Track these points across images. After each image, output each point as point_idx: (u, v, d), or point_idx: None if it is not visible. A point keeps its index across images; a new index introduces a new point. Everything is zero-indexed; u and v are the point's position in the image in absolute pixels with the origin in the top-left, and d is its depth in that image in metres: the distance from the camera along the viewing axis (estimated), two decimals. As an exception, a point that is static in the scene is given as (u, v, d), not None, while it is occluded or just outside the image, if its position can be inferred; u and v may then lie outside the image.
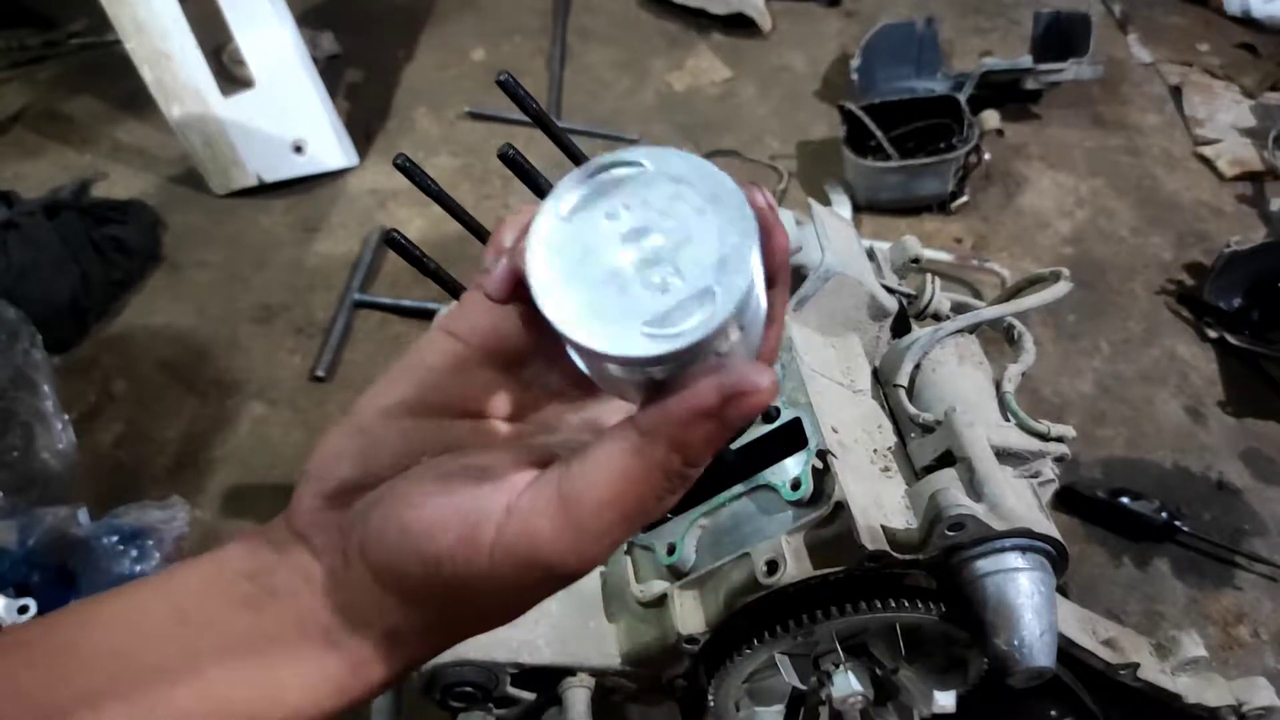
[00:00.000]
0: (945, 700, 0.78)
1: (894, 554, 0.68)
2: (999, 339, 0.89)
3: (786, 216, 0.85)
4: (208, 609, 0.33)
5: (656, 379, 0.29)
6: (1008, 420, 0.79)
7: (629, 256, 0.29)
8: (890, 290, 0.85)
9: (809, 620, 0.71)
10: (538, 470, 0.32)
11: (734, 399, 0.28)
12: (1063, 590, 0.81)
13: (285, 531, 0.35)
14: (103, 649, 0.32)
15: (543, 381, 0.37)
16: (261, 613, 0.33)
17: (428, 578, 0.31)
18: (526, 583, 0.31)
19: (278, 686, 0.33)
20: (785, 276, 0.33)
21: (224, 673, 0.32)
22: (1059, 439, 0.77)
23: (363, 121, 2.17)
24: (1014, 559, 0.69)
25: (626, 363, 0.28)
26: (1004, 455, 0.75)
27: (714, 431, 0.29)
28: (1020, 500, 0.71)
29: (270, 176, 1.99)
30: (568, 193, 0.31)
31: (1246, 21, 2.35)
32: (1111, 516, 1.36)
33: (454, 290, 0.47)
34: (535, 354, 0.35)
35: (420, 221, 1.92)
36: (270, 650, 0.32)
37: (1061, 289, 0.84)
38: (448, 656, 0.77)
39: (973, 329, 0.85)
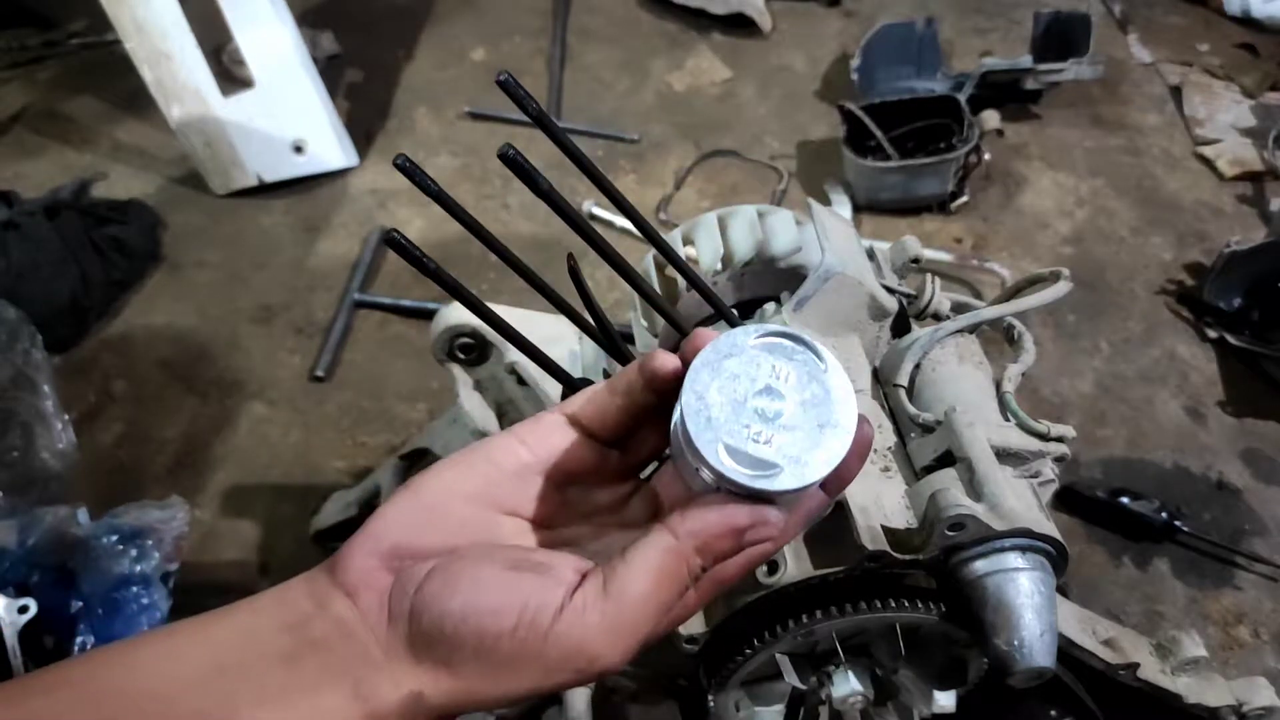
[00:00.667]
0: (945, 700, 0.78)
1: (894, 554, 0.68)
2: (999, 339, 0.89)
3: (786, 217, 0.85)
4: (245, 661, 0.35)
5: (710, 483, 0.38)
6: (1008, 420, 0.78)
7: (757, 402, 0.38)
8: (890, 290, 0.85)
9: (809, 620, 0.71)
10: (586, 569, 0.38)
11: (757, 526, 0.37)
12: (1063, 590, 0.81)
13: (329, 584, 0.38)
14: (145, 693, 0.34)
15: (580, 503, 0.43)
16: (296, 665, 0.35)
17: (479, 652, 0.35)
18: (567, 668, 0.35)
19: None
20: (837, 489, 0.40)
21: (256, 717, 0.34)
22: (1059, 439, 0.77)
23: (363, 121, 2.17)
24: (1014, 559, 0.69)
25: (703, 464, 0.37)
26: (1004, 455, 0.74)
27: (733, 546, 0.37)
28: (1020, 500, 0.71)
29: (270, 176, 1.99)
30: (760, 333, 0.39)
31: (1246, 21, 2.35)
32: (1111, 516, 1.36)
33: (454, 290, 0.47)
34: (585, 476, 0.42)
35: (420, 221, 1.92)
36: (301, 702, 0.35)
37: (1062, 289, 0.84)
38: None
39: (973, 329, 0.85)
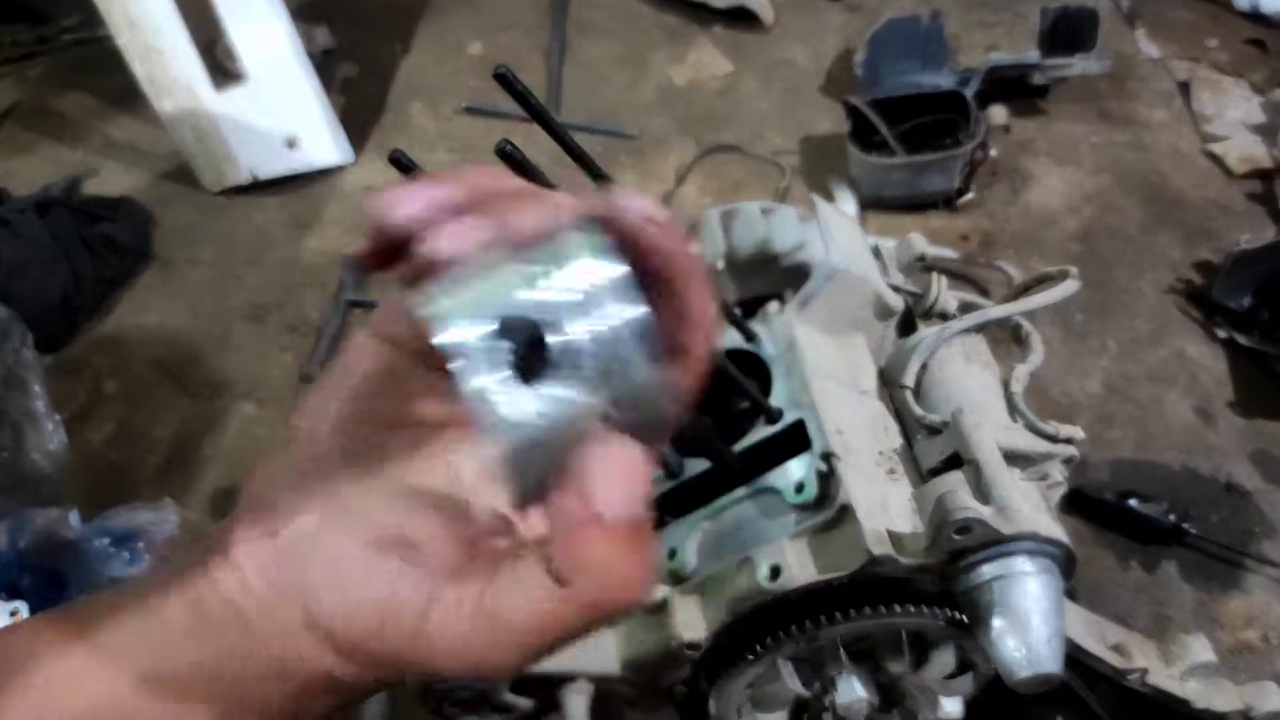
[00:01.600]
0: (952, 707, 0.77)
1: (899, 558, 0.66)
2: (1006, 338, 0.88)
3: (790, 213, 0.83)
4: (169, 670, 0.32)
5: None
6: (1016, 421, 0.77)
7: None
8: (896, 289, 0.84)
9: (813, 626, 0.69)
10: (464, 553, 0.32)
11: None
12: (1070, 594, 0.80)
13: (218, 557, 0.33)
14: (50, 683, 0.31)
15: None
16: (204, 642, 0.32)
17: (355, 650, 0.31)
18: (453, 667, 0.31)
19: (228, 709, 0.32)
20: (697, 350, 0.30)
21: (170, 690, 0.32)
22: (1068, 440, 0.76)
23: (358, 117, 2.14)
24: (1021, 563, 0.68)
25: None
26: (1012, 457, 0.73)
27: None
28: (1028, 503, 0.69)
29: (263, 173, 1.97)
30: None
31: (1255, 17, 2.32)
32: (1120, 519, 1.34)
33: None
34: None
35: (417, 218, 1.91)
36: (219, 680, 0.32)
37: (1070, 287, 0.83)
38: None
39: (980, 328, 0.83)
